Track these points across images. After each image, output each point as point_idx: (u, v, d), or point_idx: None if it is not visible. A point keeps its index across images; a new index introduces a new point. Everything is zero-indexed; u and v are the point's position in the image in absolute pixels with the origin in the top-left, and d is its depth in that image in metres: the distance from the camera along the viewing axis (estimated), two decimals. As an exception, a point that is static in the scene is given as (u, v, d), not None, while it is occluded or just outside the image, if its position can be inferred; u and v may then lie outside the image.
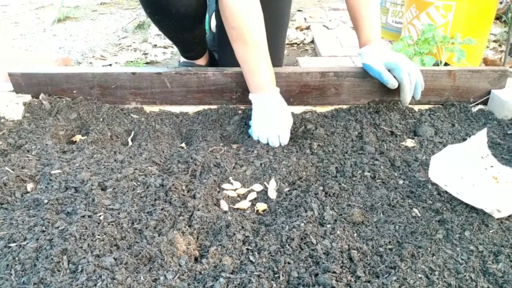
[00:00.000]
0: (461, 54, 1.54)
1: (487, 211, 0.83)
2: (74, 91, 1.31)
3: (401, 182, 0.97)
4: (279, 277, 0.71)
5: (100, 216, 0.82)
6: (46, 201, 0.87)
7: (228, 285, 0.68)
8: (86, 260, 0.71)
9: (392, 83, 1.17)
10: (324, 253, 0.76)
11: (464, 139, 1.12)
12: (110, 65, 2.15)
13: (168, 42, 2.40)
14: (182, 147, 1.16)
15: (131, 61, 2.18)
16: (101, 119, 1.24)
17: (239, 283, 0.69)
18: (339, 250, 0.76)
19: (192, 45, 1.53)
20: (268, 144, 1.13)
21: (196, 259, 0.77)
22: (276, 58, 1.51)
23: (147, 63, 2.18)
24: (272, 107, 1.13)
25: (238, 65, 1.32)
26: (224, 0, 1.09)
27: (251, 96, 1.17)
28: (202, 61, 1.62)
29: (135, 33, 2.64)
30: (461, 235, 0.80)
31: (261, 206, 0.92)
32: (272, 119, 1.12)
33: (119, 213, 0.84)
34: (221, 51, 1.63)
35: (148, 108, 1.32)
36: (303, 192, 0.94)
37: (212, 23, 1.83)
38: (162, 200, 0.89)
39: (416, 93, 1.20)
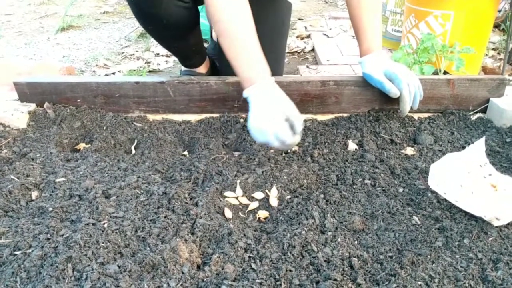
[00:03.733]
0: (460, 62, 1.55)
1: (486, 219, 0.84)
2: (78, 100, 1.33)
3: (401, 190, 0.98)
4: (280, 284, 0.72)
5: (104, 224, 0.83)
6: (50, 209, 0.89)
7: (230, 293, 0.69)
8: (91, 268, 0.72)
9: (394, 92, 1.19)
10: (325, 261, 0.77)
11: (463, 147, 1.13)
12: (113, 73, 2.17)
13: (170, 50, 2.42)
14: (185, 155, 1.17)
15: (134, 70, 2.20)
16: (104, 128, 1.26)
17: (241, 290, 0.70)
18: (340, 257, 0.77)
19: (190, 54, 1.55)
20: (268, 145, 1.00)
21: (198, 267, 0.78)
22: (277, 67, 1.53)
23: (149, 71, 2.20)
24: (272, 97, 1.01)
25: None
26: None
27: (245, 93, 1.05)
28: (202, 68, 1.64)
29: (137, 42, 2.67)
30: (460, 243, 0.81)
31: (262, 214, 0.93)
32: (275, 111, 0.98)
33: (122, 221, 0.85)
34: (222, 60, 1.65)
35: (151, 117, 1.34)
36: (304, 200, 0.95)
37: (214, 31, 1.86)
38: (165, 208, 0.90)
39: (414, 103, 1.21)
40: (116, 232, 0.82)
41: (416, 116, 1.30)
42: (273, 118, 0.98)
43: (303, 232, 0.82)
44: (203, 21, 2.24)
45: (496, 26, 2.41)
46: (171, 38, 1.40)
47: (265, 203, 0.97)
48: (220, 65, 1.69)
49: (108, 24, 3.10)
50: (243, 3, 1.05)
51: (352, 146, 1.16)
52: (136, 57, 2.40)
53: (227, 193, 0.98)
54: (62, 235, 0.81)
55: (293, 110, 1.01)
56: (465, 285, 0.71)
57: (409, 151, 1.14)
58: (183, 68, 1.68)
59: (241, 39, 1.03)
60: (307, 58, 2.38)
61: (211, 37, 1.96)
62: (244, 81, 1.05)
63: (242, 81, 1.06)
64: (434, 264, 0.75)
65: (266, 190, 0.99)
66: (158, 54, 2.43)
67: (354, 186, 0.99)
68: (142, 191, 0.96)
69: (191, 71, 1.64)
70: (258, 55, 1.04)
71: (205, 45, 2.12)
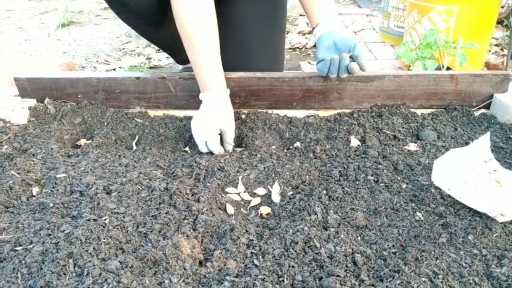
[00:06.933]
0: (463, 58, 1.54)
1: (490, 215, 0.83)
2: (79, 96, 1.32)
3: (404, 186, 0.97)
4: (283, 280, 0.71)
5: (105, 219, 0.83)
6: (51, 204, 0.88)
7: (232, 289, 0.69)
8: (92, 264, 0.72)
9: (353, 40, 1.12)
10: (328, 257, 0.76)
11: (467, 143, 1.12)
12: (114, 69, 2.16)
13: (171, 46, 2.41)
14: (186, 151, 1.16)
15: (135, 66, 2.19)
16: (105, 123, 1.25)
17: (244, 286, 0.69)
18: (343, 253, 0.77)
19: (176, 47, 1.53)
20: (210, 152, 1.10)
21: (200, 263, 0.78)
22: (274, 62, 1.51)
23: (150, 67, 2.19)
24: (215, 109, 1.10)
25: (238, 70, 1.33)
26: None
27: (200, 96, 1.13)
28: None
29: (138, 38, 2.66)
30: (464, 239, 0.80)
31: (265, 210, 0.93)
32: (211, 122, 1.08)
33: (124, 217, 0.84)
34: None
35: (152, 112, 1.33)
36: (307, 196, 0.94)
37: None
38: (166, 204, 0.89)
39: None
40: (117, 228, 0.81)
41: (419, 112, 1.29)
42: (206, 128, 1.09)
43: (306, 228, 0.82)
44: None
45: (499, 22, 2.39)
46: (148, 25, 1.38)
47: (267, 199, 0.96)
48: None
49: (108, 20, 3.09)
50: (207, 8, 1.06)
51: (354, 142, 1.16)
52: (137, 53, 2.39)
53: (229, 189, 0.98)
54: (63, 231, 0.80)
55: (228, 122, 1.10)
56: (469, 282, 0.70)
57: (412, 147, 1.13)
58: (180, 66, 1.67)
59: (202, 47, 1.08)
60: (309, 54, 2.36)
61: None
62: (202, 86, 1.12)
63: (200, 85, 1.13)
64: (438, 260, 0.75)
65: (268, 186, 0.99)
66: (159, 50, 2.42)
67: (357, 182, 0.99)
68: (143, 187, 0.95)
69: (189, 68, 1.62)
70: (217, 65, 1.10)
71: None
